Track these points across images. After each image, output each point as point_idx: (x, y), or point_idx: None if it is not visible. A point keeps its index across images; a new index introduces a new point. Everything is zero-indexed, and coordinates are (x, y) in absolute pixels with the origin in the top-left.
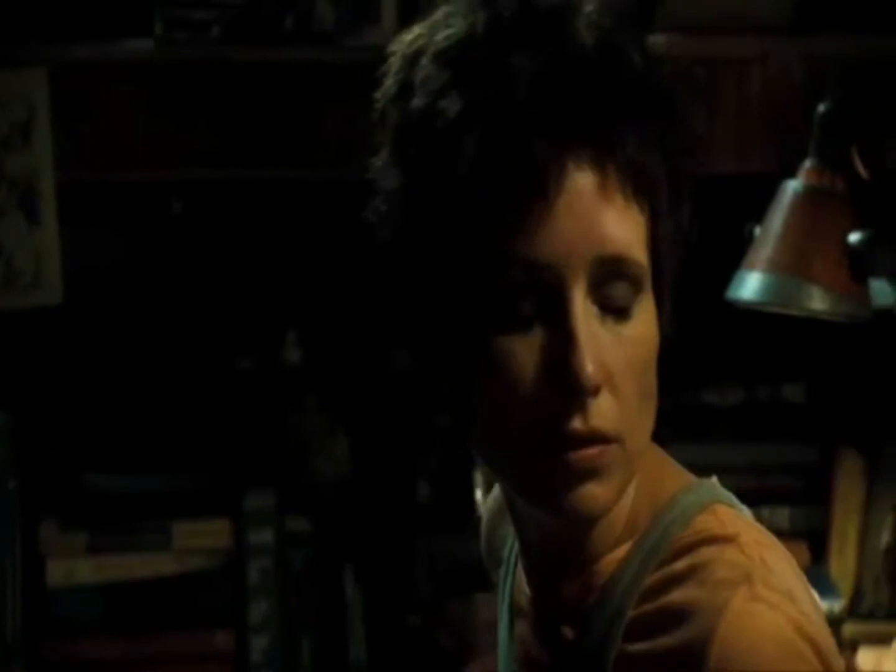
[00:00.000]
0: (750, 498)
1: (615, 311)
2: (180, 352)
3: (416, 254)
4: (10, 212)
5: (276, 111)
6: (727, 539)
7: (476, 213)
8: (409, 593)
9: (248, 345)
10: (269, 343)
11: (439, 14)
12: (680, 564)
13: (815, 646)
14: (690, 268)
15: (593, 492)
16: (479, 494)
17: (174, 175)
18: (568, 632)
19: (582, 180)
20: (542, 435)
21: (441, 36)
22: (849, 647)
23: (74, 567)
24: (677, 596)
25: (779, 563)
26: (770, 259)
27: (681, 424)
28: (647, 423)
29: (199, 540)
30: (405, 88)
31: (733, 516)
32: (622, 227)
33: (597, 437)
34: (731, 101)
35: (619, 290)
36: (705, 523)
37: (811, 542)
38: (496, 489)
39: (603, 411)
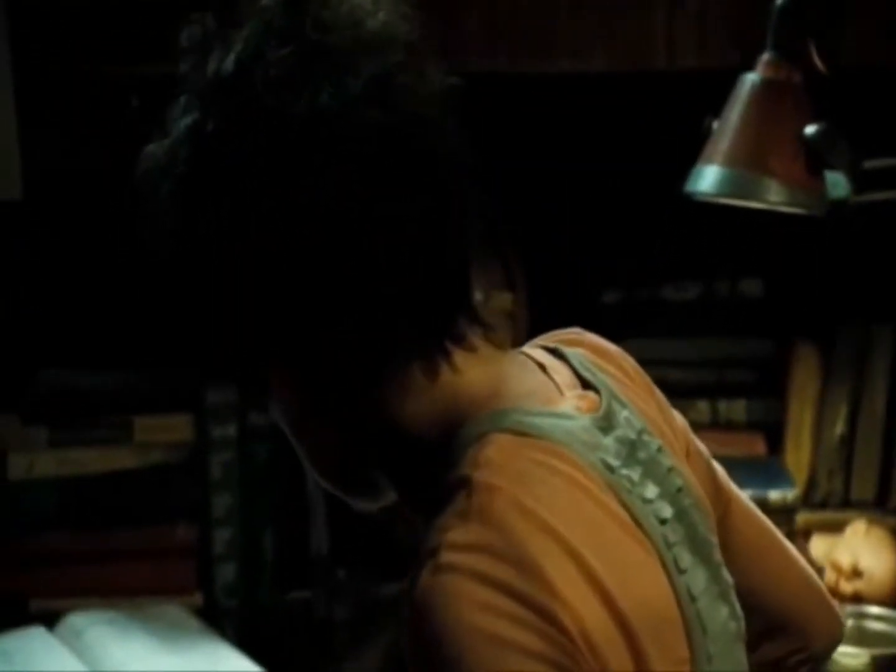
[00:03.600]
0: (708, 391)
1: None
2: (142, 248)
3: None
4: None
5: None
6: (462, 483)
7: None
8: None
9: None
10: None
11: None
12: (437, 511)
13: (510, 590)
14: (651, 162)
15: None
16: None
17: (134, 69)
18: None
19: None
20: None
21: None
22: (802, 535)
23: (35, 461)
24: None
25: (513, 504)
26: (727, 152)
27: (639, 320)
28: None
29: (161, 434)
30: None
31: (496, 450)
32: None
33: None
34: None
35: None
36: (466, 460)
37: (767, 434)
38: None
39: None
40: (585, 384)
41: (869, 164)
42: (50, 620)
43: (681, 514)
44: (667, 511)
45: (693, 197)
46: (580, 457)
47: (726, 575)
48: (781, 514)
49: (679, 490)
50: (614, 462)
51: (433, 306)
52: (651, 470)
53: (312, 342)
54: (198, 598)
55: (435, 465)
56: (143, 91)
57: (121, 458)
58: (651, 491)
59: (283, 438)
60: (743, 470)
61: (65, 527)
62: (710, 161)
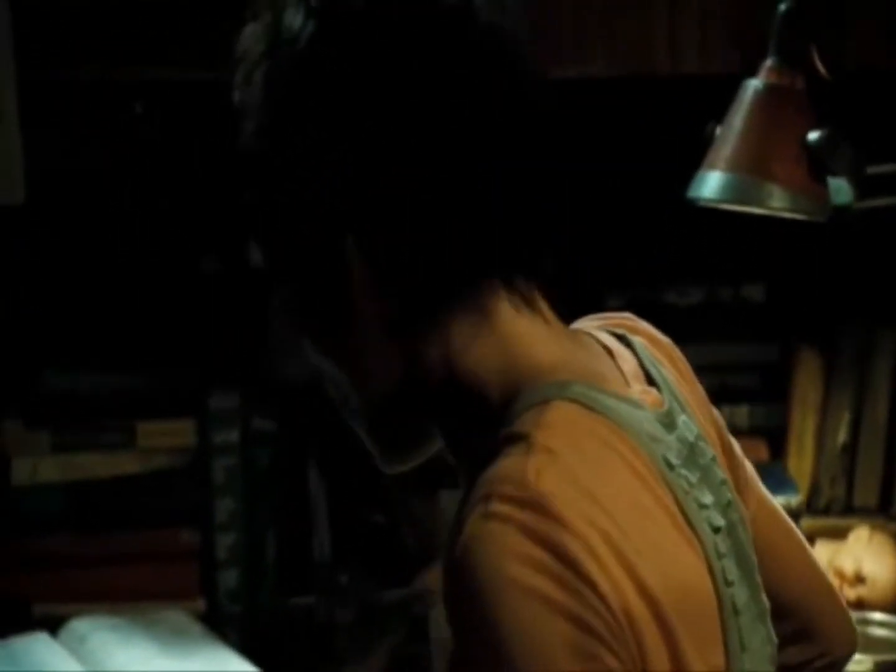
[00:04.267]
0: (710, 396)
1: None
2: (145, 252)
3: None
4: None
5: (238, 12)
6: (521, 438)
7: None
8: (374, 491)
9: (212, 245)
10: (233, 243)
11: None
12: (490, 462)
13: (557, 551)
14: (653, 167)
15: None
16: None
17: (136, 75)
18: None
19: None
20: None
21: None
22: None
23: (39, 465)
24: (467, 499)
25: (566, 473)
26: (730, 158)
27: None
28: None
29: (163, 439)
30: None
31: (560, 416)
32: None
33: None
34: (693, 1)
35: None
36: (527, 418)
37: (770, 440)
38: None
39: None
40: (649, 379)
41: (872, 169)
42: (53, 624)
43: (731, 528)
44: (719, 521)
45: (696, 202)
46: (642, 445)
47: (764, 598)
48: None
49: (729, 504)
50: (675, 460)
51: (529, 229)
52: (707, 477)
53: (411, 238)
54: (200, 603)
55: (488, 421)
56: (146, 96)
57: (124, 463)
58: (707, 497)
59: (286, 443)
60: None
61: (68, 531)
62: (712, 166)
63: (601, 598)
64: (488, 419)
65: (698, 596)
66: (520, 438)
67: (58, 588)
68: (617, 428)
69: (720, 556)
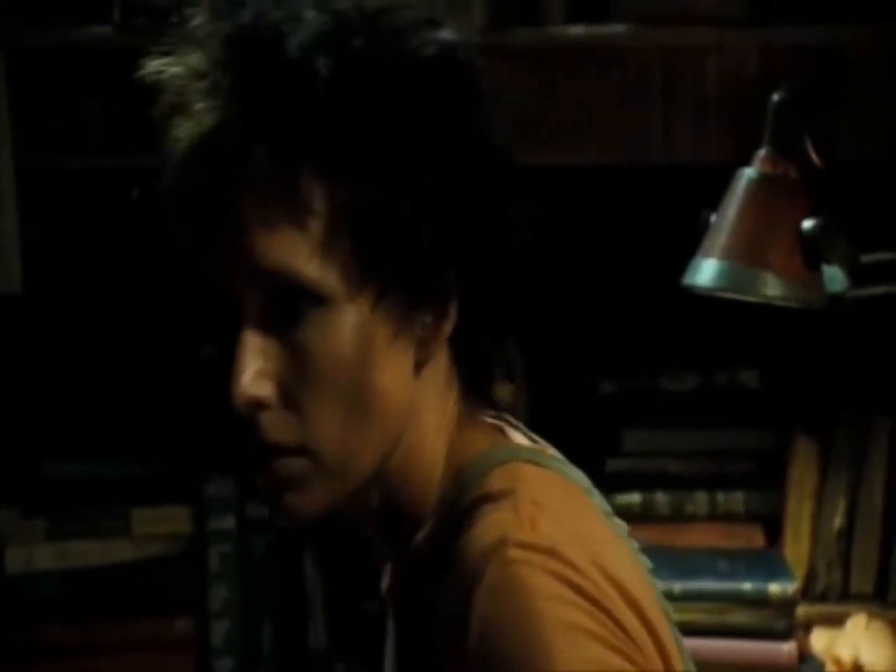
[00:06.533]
0: (706, 482)
1: (286, 324)
2: (143, 339)
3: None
4: None
5: None
6: (502, 495)
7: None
8: (369, 579)
9: (211, 332)
10: (232, 331)
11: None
12: (466, 523)
13: (579, 589)
14: (649, 255)
15: (292, 501)
16: None
17: (133, 161)
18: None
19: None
20: (250, 448)
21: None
22: (803, 629)
23: (34, 553)
24: (459, 557)
25: (555, 521)
26: (725, 246)
27: (637, 410)
28: (363, 433)
29: (159, 526)
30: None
31: (527, 472)
32: (293, 238)
33: (278, 450)
34: (688, 90)
35: (289, 303)
36: (493, 478)
37: (766, 526)
38: None
39: (275, 425)
40: None
41: (866, 258)
42: None
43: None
44: (649, 563)
45: (691, 290)
46: (588, 494)
47: None
48: (782, 608)
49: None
50: (607, 509)
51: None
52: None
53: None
54: None
55: (425, 491)
56: (144, 181)
57: (119, 551)
58: (634, 543)
59: (281, 530)
60: (742, 562)
61: (64, 619)
62: (707, 254)
63: (616, 622)
64: (426, 489)
65: (662, 614)
66: (500, 496)
67: None
68: (569, 482)
69: (662, 601)
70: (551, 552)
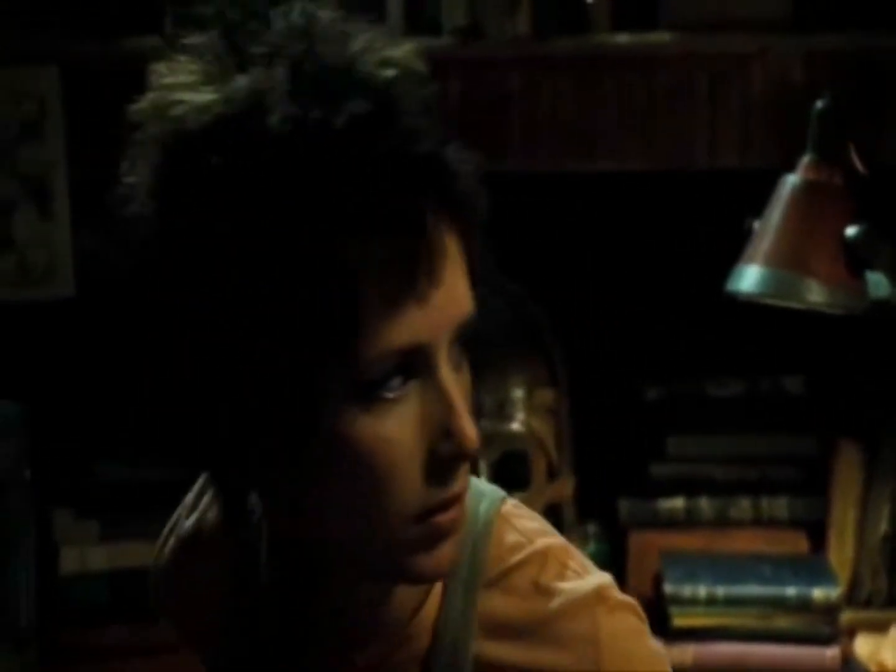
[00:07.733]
0: (750, 488)
1: (456, 366)
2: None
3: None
4: (24, 206)
5: None
6: (542, 555)
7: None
8: None
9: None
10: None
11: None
12: (518, 586)
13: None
14: (693, 261)
15: (446, 551)
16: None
17: None
18: None
19: (441, 253)
20: (417, 504)
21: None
22: (847, 634)
23: (87, 554)
24: (539, 620)
25: (568, 548)
26: (769, 253)
27: (683, 416)
28: None
29: None
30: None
31: (520, 518)
32: (466, 284)
33: (460, 498)
34: (733, 97)
35: (456, 347)
36: (509, 536)
37: (810, 532)
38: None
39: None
40: None
41: None
42: None
43: None
44: None
45: (735, 296)
46: None
47: None
48: (826, 614)
49: None
50: None
51: None
52: None
53: None
54: None
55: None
56: None
57: None
58: None
59: None
60: (786, 567)
61: (116, 620)
62: (751, 261)
63: None
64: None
65: None
66: (534, 556)
67: None
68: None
69: None
70: (615, 590)
